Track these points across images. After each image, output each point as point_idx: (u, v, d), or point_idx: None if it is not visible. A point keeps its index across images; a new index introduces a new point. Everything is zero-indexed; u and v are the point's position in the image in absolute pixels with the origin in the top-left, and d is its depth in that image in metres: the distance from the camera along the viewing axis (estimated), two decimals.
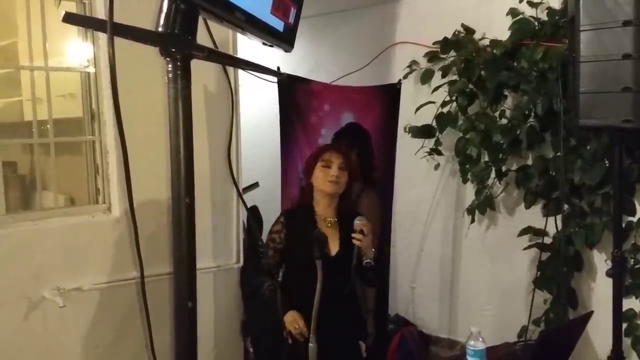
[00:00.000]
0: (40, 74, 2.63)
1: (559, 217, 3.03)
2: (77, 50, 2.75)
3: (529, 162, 3.24)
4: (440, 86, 3.43)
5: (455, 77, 3.40)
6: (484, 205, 3.36)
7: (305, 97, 3.16)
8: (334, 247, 2.35)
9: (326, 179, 2.34)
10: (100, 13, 2.63)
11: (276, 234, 2.39)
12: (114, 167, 2.72)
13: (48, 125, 2.65)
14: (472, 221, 3.47)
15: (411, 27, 3.84)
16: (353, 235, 2.25)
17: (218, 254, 3.09)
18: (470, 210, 3.43)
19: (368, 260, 2.27)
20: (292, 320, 2.25)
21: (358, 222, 2.27)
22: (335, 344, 2.26)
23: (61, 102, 2.87)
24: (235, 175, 3.11)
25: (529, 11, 3.09)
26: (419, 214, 3.93)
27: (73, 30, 2.74)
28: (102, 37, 2.64)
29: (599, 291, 3.05)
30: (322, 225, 2.36)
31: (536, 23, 3.06)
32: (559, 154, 2.96)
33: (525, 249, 3.22)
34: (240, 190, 3.16)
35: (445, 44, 3.41)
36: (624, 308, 2.72)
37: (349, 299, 2.39)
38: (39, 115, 2.64)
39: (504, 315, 3.49)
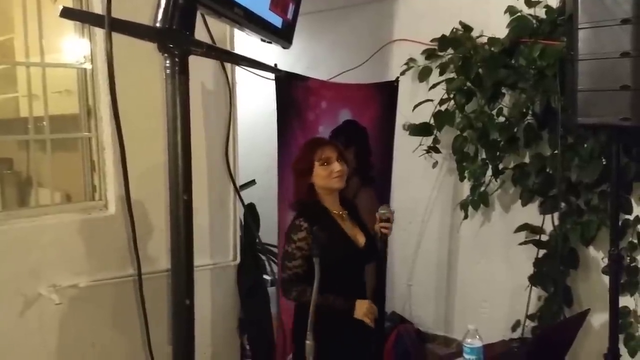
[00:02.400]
0: (37, 70, 2.62)
1: (555, 214, 3.04)
2: (74, 47, 2.74)
3: (526, 159, 3.24)
4: (438, 84, 3.42)
5: (452, 75, 3.39)
6: (477, 201, 3.36)
7: (302, 94, 3.15)
8: (361, 238, 2.36)
9: (331, 177, 2.28)
10: (97, 8, 2.61)
11: (303, 241, 2.25)
12: (110, 163, 2.71)
13: (44, 122, 2.64)
14: (465, 217, 3.47)
15: (409, 25, 3.84)
16: (381, 224, 2.31)
17: (215, 251, 3.09)
18: (463, 206, 3.44)
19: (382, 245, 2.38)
20: (369, 308, 2.24)
21: (384, 212, 2.32)
22: (353, 338, 2.30)
23: (57, 99, 2.86)
24: (232, 173, 3.10)
25: (527, 9, 3.09)
26: (416, 212, 3.94)
27: (69, 26, 2.73)
28: (99, 33, 2.63)
29: (595, 289, 3.06)
30: (339, 220, 2.35)
31: (534, 21, 3.06)
32: (556, 151, 2.96)
33: (521, 244, 3.22)
34: (238, 188, 3.16)
35: (443, 42, 3.40)
36: (619, 305, 2.73)
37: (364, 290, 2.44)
38: (35, 111, 2.63)
39: (500, 312, 3.49)
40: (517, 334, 3.23)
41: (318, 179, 2.31)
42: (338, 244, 2.27)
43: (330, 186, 2.31)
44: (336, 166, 2.28)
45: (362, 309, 2.23)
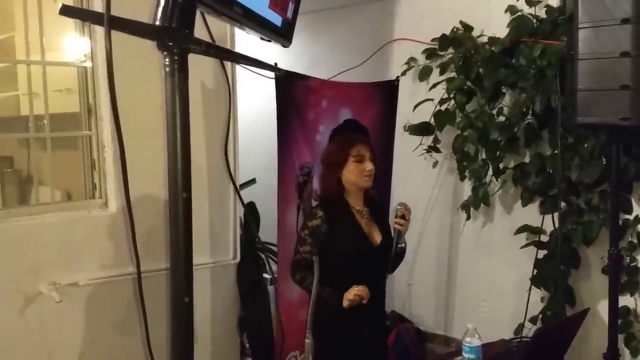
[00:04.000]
0: (37, 68, 2.62)
1: (556, 214, 3.04)
2: (74, 45, 2.74)
3: (527, 159, 3.24)
4: (438, 83, 3.43)
5: (453, 74, 3.40)
6: (478, 201, 3.36)
7: (303, 93, 3.15)
8: (377, 237, 2.35)
9: (362, 175, 2.30)
10: (98, 6, 2.61)
11: (316, 228, 2.31)
12: (110, 162, 2.72)
13: (44, 120, 2.65)
14: (468, 218, 3.47)
15: (409, 24, 3.84)
16: (396, 220, 2.30)
17: (215, 249, 3.09)
18: (465, 206, 3.44)
19: (402, 244, 2.33)
20: (357, 290, 2.16)
21: (400, 207, 2.32)
22: (374, 333, 2.32)
23: (58, 97, 2.87)
24: (232, 171, 3.10)
25: (527, 9, 3.09)
26: (417, 211, 3.89)
27: (70, 24, 2.73)
28: (99, 31, 2.63)
29: (595, 288, 3.06)
30: (359, 216, 2.35)
31: (535, 20, 3.06)
32: (556, 151, 2.96)
33: (522, 247, 3.22)
34: (238, 187, 3.16)
35: (444, 41, 3.41)
36: (620, 305, 2.73)
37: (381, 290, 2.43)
38: (35, 109, 2.64)
39: (500, 312, 3.50)
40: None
41: (349, 175, 2.33)
42: (352, 239, 2.30)
43: (360, 184, 2.33)
44: (368, 165, 2.30)
45: (349, 294, 2.17)
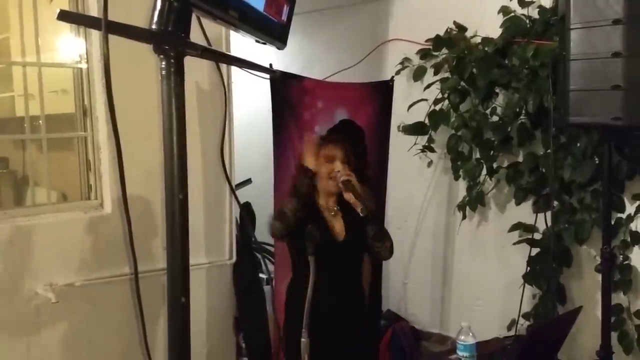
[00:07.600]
0: (33, 69, 2.63)
1: (548, 213, 3.06)
2: (70, 46, 2.75)
3: (520, 159, 3.26)
4: (432, 83, 3.44)
5: (447, 75, 3.41)
6: (474, 201, 3.38)
7: (298, 93, 3.16)
8: (341, 233, 2.35)
9: (329, 175, 2.31)
10: (93, 9, 2.62)
11: (289, 204, 2.34)
12: (106, 163, 2.72)
13: (40, 121, 2.65)
14: (464, 217, 3.49)
15: (404, 24, 3.85)
16: (342, 179, 2.24)
17: (211, 250, 3.10)
18: (461, 207, 3.46)
19: (361, 208, 2.23)
20: None
21: (338, 172, 2.27)
22: (342, 333, 2.32)
23: (53, 98, 2.87)
24: (228, 172, 3.11)
25: (520, 9, 3.11)
26: (412, 211, 3.96)
27: (65, 26, 2.74)
28: (95, 33, 2.63)
29: (588, 287, 3.09)
30: (327, 215, 2.36)
31: (527, 21, 3.08)
32: (549, 151, 2.98)
33: (515, 243, 3.24)
34: (233, 187, 3.17)
35: (438, 42, 3.42)
36: (612, 303, 2.75)
37: (357, 287, 2.42)
38: (31, 111, 2.64)
39: (494, 310, 3.52)
40: (511, 332, 3.26)
41: (319, 176, 2.35)
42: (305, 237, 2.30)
43: (326, 186, 2.35)
44: (337, 166, 2.30)
45: None
